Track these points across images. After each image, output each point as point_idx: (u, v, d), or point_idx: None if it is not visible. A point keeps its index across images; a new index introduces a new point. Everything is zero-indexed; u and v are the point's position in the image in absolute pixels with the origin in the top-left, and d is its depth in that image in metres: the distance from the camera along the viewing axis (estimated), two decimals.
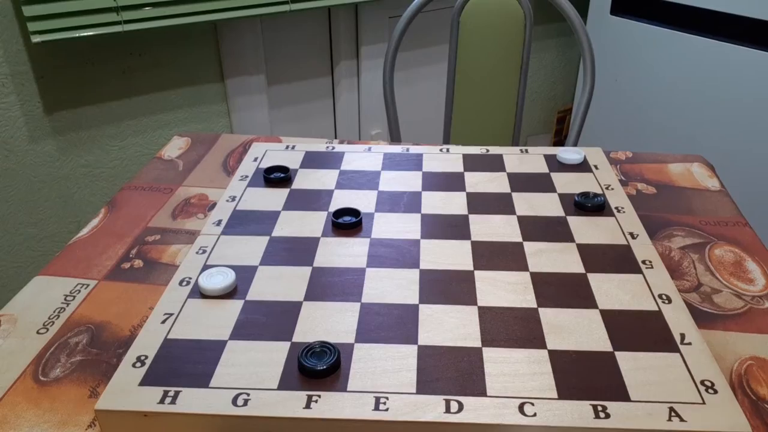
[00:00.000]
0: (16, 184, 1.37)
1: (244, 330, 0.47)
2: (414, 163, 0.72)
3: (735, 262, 0.58)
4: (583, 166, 0.70)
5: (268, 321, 0.48)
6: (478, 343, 0.45)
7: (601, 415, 0.39)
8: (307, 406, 0.40)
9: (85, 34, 1.25)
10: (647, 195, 0.70)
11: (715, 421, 0.39)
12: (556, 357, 0.44)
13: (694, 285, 0.56)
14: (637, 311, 0.48)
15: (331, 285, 0.52)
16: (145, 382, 0.42)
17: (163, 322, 0.48)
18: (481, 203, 0.63)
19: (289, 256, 0.55)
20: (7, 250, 1.42)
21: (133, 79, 1.42)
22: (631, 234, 0.58)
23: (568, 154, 0.71)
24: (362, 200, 0.64)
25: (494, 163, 0.71)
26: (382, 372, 0.43)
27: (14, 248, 1.42)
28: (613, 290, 0.51)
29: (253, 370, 0.43)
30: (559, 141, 2.28)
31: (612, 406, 0.40)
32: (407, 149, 0.75)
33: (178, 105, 1.50)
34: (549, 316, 0.48)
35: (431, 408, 0.40)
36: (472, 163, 0.71)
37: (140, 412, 0.40)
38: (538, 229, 0.59)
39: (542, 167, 0.70)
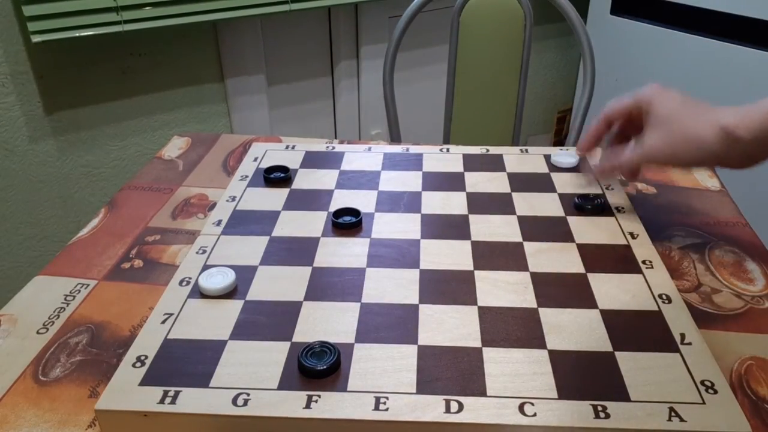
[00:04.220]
0: (16, 184, 1.37)
1: (244, 330, 0.47)
2: (414, 163, 0.72)
3: (735, 262, 0.58)
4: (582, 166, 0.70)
5: (268, 321, 0.48)
6: (478, 343, 0.45)
7: (601, 415, 0.39)
8: (307, 406, 0.40)
9: (85, 34, 1.25)
10: (647, 195, 0.70)
11: (715, 421, 0.39)
12: (556, 357, 0.44)
13: (694, 285, 0.56)
14: (637, 311, 0.48)
15: (331, 285, 0.52)
16: (145, 382, 0.42)
17: (163, 322, 0.48)
18: (481, 203, 0.63)
19: (289, 256, 0.55)
20: (7, 250, 1.42)
21: (133, 79, 1.42)
22: (631, 234, 0.58)
23: (562, 157, 0.70)
24: (362, 200, 0.64)
25: (494, 163, 0.71)
26: (382, 372, 0.43)
27: (14, 248, 1.42)
28: (613, 290, 0.51)
29: (253, 370, 0.43)
30: (560, 141, 2.28)
31: (612, 406, 0.40)
32: (407, 149, 0.75)
33: (178, 105, 1.50)
34: (549, 316, 0.48)
35: (431, 408, 0.40)
36: (472, 163, 0.71)
37: (140, 412, 0.40)
38: (538, 229, 0.59)
39: (542, 167, 0.70)
